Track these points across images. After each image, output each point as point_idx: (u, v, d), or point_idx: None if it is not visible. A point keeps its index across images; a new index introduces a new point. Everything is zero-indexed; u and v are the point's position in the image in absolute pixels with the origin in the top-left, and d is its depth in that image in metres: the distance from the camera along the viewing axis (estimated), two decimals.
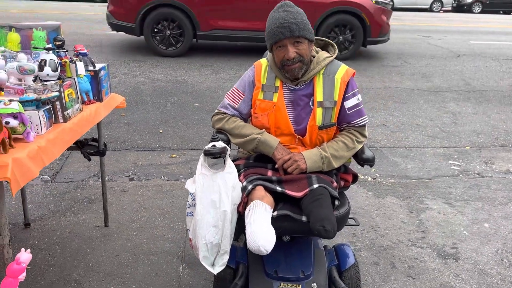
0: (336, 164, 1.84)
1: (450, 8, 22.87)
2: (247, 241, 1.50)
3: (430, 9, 22.22)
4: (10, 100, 1.49)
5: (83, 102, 2.10)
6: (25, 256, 1.41)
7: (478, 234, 2.75)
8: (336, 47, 1.96)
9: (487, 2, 22.61)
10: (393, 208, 3.04)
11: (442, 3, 22.38)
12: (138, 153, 3.83)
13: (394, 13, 19.11)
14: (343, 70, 1.88)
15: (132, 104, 4.96)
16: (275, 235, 1.52)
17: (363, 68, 7.14)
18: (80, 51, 2.21)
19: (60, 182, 3.25)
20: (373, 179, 3.52)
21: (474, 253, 2.55)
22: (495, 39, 11.02)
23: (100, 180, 2.77)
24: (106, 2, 8.17)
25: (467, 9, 22.42)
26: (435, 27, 13.36)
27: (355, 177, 2.01)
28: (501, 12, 23.03)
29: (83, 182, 3.27)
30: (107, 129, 4.26)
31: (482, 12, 22.39)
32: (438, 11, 22.25)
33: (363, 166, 1.92)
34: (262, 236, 1.48)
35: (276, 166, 1.84)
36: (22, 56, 1.99)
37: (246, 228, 1.55)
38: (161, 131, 4.34)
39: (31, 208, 2.82)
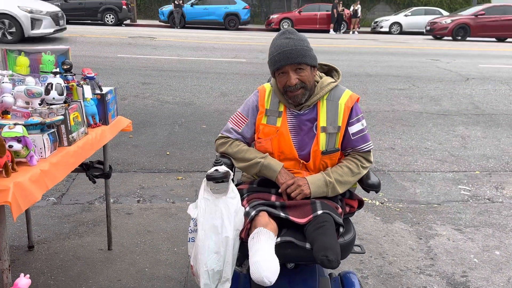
0: (340, 190, 1.82)
1: None
2: (250, 272, 1.47)
3: None
4: (15, 124, 1.50)
5: (89, 125, 2.12)
6: (23, 281, 1.39)
7: (489, 262, 2.68)
8: (340, 72, 1.96)
9: None
10: (401, 234, 2.98)
11: None
12: (144, 175, 3.83)
13: (403, 37, 19.18)
14: (347, 95, 1.88)
15: (141, 126, 5.00)
16: (279, 265, 1.49)
17: (370, 91, 7.15)
18: (88, 75, 2.23)
19: (66, 204, 3.25)
20: (381, 203, 3.47)
21: (485, 282, 2.48)
22: (505, 62, 11.00)
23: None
24: (118, 25, 8.41)
25: None
26: (444, 50, 13.41)
27: (360, 203, 1.97)
28: None
29: (89, 204, 3.27)
30: (115, 151, 4.28)
31: None
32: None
33: (368, 192, 1.89)
34: (266, 266, 1.45)
35: (279, 190, 1.82)
36: (30, 80, 2.03)
37: (249, 257, 1.52)
38: (168, 153, 4.34)
39: (36, 230, 2.81)
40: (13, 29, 9.88)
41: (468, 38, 17.85)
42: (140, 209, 3.19)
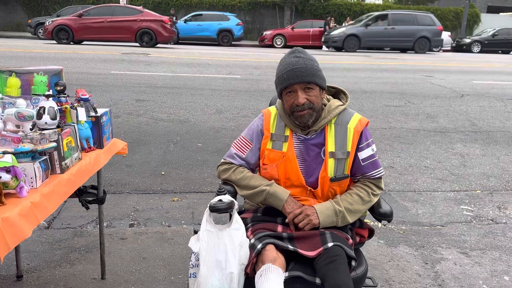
0: (351, 219, 1.72)
1: (449, 48, 23.27)
2: None
3: (429, 49, 22.56)
4: (4, 152, 1.39)
5: (83, 149, 2.01)
6: None
7: None
8: (348, 95, 1.88)
9: (486, 42, 23.03)
10: (406, 259, 2.88)
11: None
12: (138, 197, 3.71)
13: (395, 53, 19.39)
14: (356, 119, 1.79)
15: (135, 145, 4.88)
16: None
17: (367, 108, 7.11)
18: (82, 96, 2.14)
19: (57, 229, 3.11)
20: (384, 225, 3.37)
21: None
22: (497, 78, 11.08)
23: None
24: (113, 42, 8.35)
25: (466, 48, 22.83)
26: (436, 66, 13.50)
27: (371, 232, 1.88)
28: (499, 51, 23.42)
29: (81, 228, 3.13)
30: (108, 171, 4.15)
31: (481, 51, 22.78)
32: (438, 51, 22.60)
33: (380, 222, 1.79)
34: None
35: (286, 220, 1.71)
36: (21, 102, 1.91)
37: None
38: (163, 173, 4.23)
39: (25, 258, 2.67)
40: None
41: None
42: (134, 233, 3.06)
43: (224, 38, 20.48)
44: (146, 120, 5.88)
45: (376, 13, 19.75)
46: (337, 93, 1.91)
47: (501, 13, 32.68)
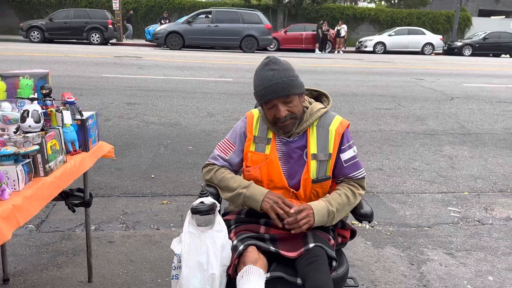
0: (336, 220, 1.74)
1: (441, 51, 23.49)
2: None
3: (421, 52, 22.79)
4: None
5: (68, 152, 2.02)
6: None
7: None
8: (329, 97, 1.91)
9: (477, 45, 23.25)
10: (393, 260, 2.90)
11: (433, 46, 23.00)
12: (128, 200, 3.71)
13: (387, 56, 19.54)
14: (337, 121, 1.82)
15: (125, 148, 4.88)
16: None
17: (357, 111, 7.16)
18: (68, 100, 2.14)
19: (45, 232, 3.11)
20: (371, 227, 3.40)
21: None
22: (487, 81, 11.19)
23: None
24: (103, 44, 8.39)
25: (458, 52, 23.03)
26: (427, 69, 13.62)
27: (353, 233, 1.90)
28: (490, 55, 23.67)
29: (69, 231, 3.13)
30: (97, 174, 4.16)
31: (472, 55, 23.01)
32: (430, 54, 22.81)
33: (361, 222, 1.82)
34: None
35: (286, 221, 1.64)
36: (6, 105, 1.92)
37: None
38: (153, 176, 4.23)
39: (12, 261, 2.67)
40: None
41: None
42: (122, 236, 3.07)
43: None
44: (137, 123, 5.88)
45: (200, 10, 18.91)
46: (319, 96, 1.94)
47: (492, 17, 33.02)
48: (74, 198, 2.35)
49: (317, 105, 1.83)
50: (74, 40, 19.42)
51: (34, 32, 18.69)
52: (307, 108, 1.82)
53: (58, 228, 3.18)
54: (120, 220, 3.33)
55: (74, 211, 2.34)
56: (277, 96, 1.67)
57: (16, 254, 2.77)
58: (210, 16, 18.05)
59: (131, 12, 22.52)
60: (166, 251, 2.86)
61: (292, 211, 1.65)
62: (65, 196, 2.32)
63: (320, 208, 1.70)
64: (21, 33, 19.08)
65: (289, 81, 1.68)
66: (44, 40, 18.76)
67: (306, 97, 1.84)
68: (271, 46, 20.91)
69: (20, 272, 2.58)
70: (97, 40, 19.09)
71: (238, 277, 1.49)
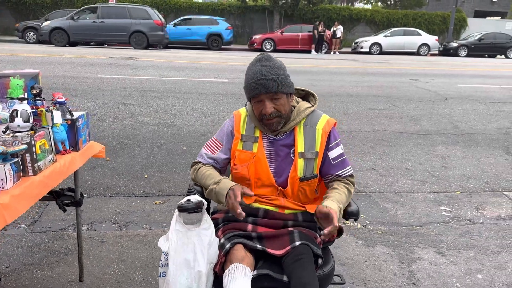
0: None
1: (436, 52, 23.58)
2: None
3: (417, 53, 22.87)
4: None
5: (58, 152, 2.03)
6: None
7: (471, 287, 2.64)
8: (316, 97, 1.93)
9: (473, 46, 23.36)
10: (383, 258, 2.92)
11: (429, 47, 23.09)
12: (120, 200, 3.72)
13: (382, 57, 19.62)
14: (324, 120, 1.84)
15: (118, 148, 4.89)
16: None
17: (351, 111, 7.19)
18: (58, 100, 2.15)
19: (37, 232, 3.11)
20: (363, 226, 3.42)
21: None
22: (482, 82, 11.25)
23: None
24: (99, 46, 8.39)
25: (453, 52, 23.13)
26: (422, 70, 13.67)
27: (340, 231, 1.92)
28: (486, 55, 23.78)
29: (62, 231, 3.14)
30: (91, 175, 4.16)
31: (467, 55, 23.10)
32: (425, 55, 22.89)
33: (347, 220, 1.84)
34: None
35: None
36: None
37: None
38: (146, 176, 4.24)
39: (4, 261, 2.68)
40: None
41: None
42: (114, 236, 3.08)
43: (213, 42, 20.52)
44: (131, 124, 5.89)
45: (87, 6, 18.51)
46: (306, 96, 1.96)
47: (487, 18, 33.18)
48: (65, 197, 2.35)
49: (304, 104, 1.85)
50: None
51: (29, 33, 18.65)
52: (294, 107, 1.84)
53: (51, 228, 3.19)
54: (113, 220, 3.34)
55: (65, 210, 2.35)
56: (265, 92, 1.69)
57: (8, 254, 2.78)
58: (96, 12, 17.68)
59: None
60: (158, 251, 2.86)
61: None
62: (56, 195, 2.33)
63: (338, 211, 1.67)
64: (16, 34, 19.04)
65: (279, 78, 1.71)
66: (40, 41, 18.72)
67: (293, 97, 1.86)
68: (268, 47, 20.94)
69: (11, 272, 2.59)
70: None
71: (224, 275, 1.51)
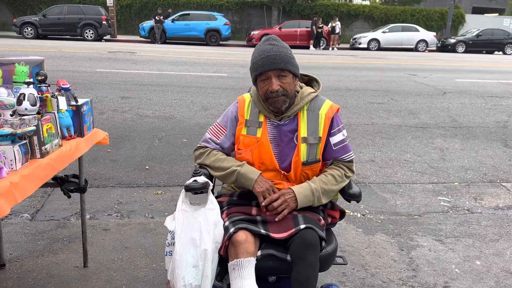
0: (324, 200, 1.79)
1: (434, 48, 23.61)
2: None
3: (415, 49, 22.90)
4: None
5: (64, 137, 2.05)
6: None
7: (470, 272, 2.68)
8: (320, 82, 1.95)
9: (470, 42, 23.39)
10: (383, 246, 2.96)
11: (427, 43, 23.11)
12: (122, 190, 3.74)
13: (381, 53, 19.63)
14: (327, 105, 1.87)
15: (119, 140, 4.91)
16: None
17: (350, 105, 7.23)
18: (63, 86, 2.18)
19: (40, 221, 3.14)
20: (363, 215, 3.46)
21: None
22: (480, 77, 11.30)
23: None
24: (97, 40, 8.42)
25: (451, 49, 23.16)
26: (421, 65, 13.71)
27: (342, 214, 1.95)
28: (484, 52, 23.81)
29: (64, 220, 3.16)
30: (92, 166, 4.18)
31: (465, 52, 23.14)
32: (423, 51, 22.92)
33: (349, 202, 1.87)
34: None
35: (262, 204, 1.76)
36: (2, 91, 1.95)
37: None
38: (147, 167, 4.27)
39: (8, 248, 2.70)
40: None
41: None
42: (117, 224, 3.10)
43: (211, 38, 20.51)
44: (131, 117, 5.91)
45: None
46: (309, 81, 1.98)
47: (485, 14, 33.21)
48: (69, 184, 2.38)
49: (307, 89, 1.88)
50: (68, 36, 19.34)
51: (27, 28, 18.60)
52: (298, 92, 1.86)
53: (53, 217, 3.21)
54: (115, 209, 3.37)
55: (69, 196, 2.37)
56: (272, 68, 1.72)
57: (11, 241, 2.80)
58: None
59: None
60: (161, 238, 2.91)
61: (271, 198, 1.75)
62: (61, 182, 2.36)
63: (303, 189, 1.77)
64: (14, 29, 18.98)
65: (286, 56, 1.74)
66: (38, 36, 18.69)
67: (298, 82, 1.89)
68: None
69: (16, 258, 2.61)
70: (91, 36, 19.04)
71: (230, 267, 1.55)
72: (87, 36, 19.00)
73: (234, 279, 1.53)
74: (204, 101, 7.02)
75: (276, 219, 1.71)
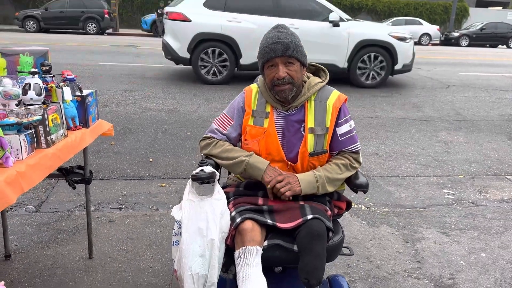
0: (329, 188, 1.78)
1: (438, 42, 23.48)
2: None
3: (419, 43, 22.78)
4: None
5: (69, 128, 2.05)
6: None
7: (475, 264, 2.67)
8: (327, 72, 1.93)
9: (474, 36, 23.26)
10: (388, 238, 2.96)
11: (430, 36, 23.00)
12: (126, 182, 3.74)
13: None
14: (335, 96, 1.85)
15: (123, 133, 4.91)
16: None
17: (354, 98, 7.19)
18: (68, 76, 2.17)
19: (45, 212, 3.14)
20: (367, 208, 3.45)
21: (472, 284, 2.47)
22: (484, 70, 11.24)
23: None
24: (100, 34, 8.45)
25: (455, 42, 23.04)
26: (424, 59, 13.63)
27: (348, 205, 1.94)
28: (487, 45, 23.67)
29: (69, 212, 3.17)
30: (96, 158, 4.18)
31: (469, 45, 23.01)
32: (427, 45, 22.81)
33: (356, 192, 1.86)
34: None
35: (268, 186, 1.76)
36: (7, 81, 1.95)
37: (237, 280, 1.53)
38: (151, 160, 4.26)
39: (13, 239, 2.71)
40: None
41: None
42: (122, 216, 3.11)
43: None
44: (135, 110, 5.90)
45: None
46: (317, 71, 1.96)
47: (489, 8, 32.99)
48: (74, 175, 2.38)
49: (315, 79, 1.86)
50: (70, 30, 19.30)
51: (29, 22, 18.56)
52: (305, 82, 1.85)
53: (58, 209, 3.21)
54: (119, 202, 3.37)
55: (74, 187, 2.37)
56: (280, 54, 1.70)
57: (17, 232, 2.81)
58: None
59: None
60: (166, 230, 2.91)
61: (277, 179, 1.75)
62: (66, 173, 2.35)
63: (306, 175, 1.77)
64: (16, 23, 18.94)
65: (295, 44, 1.73)
66: (40, 30, 18.65)
67: (305, 72, 1.87)
68: None
69: (21, 249, 2.62)
70: (93, 30, 18.99)
71: (236, 255, 1.54)
72: (90, 30, 18.96)
73: (240, 267, 1.52)
74: (207, 94, 7.00)
75: (282, 199, 1.72)
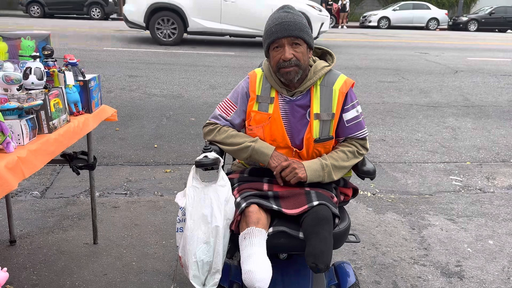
0: (336, 176, 1.75)
1: (446, 27, 23.14)
2: (243, 278, 1.43)
3: (426, 27, 22.47)
4: None
5: (72, 113, 2.02)
6: (1, 275, 1.30)
7: (482, 252, 2.65)
8: (334, 56, 1.88)
9: (483, 20, 22.88)
10: (394, 225, 2.93)
11: (438, 21, 22.64)
12: (131, 168, 3.73)
13: (392, 31, 19.27)
14: (341, 80, 1.80)
15: (127, 119, 4.89)
16: (271, 270, 1.46)
17: (360, 84, 7.11)
18: (70, 61, 2.13)
19: (50, 198, 3.14)
20: (373, 194, 3.42)
21: (479, 271, 2.44)
22: (492, 55, 11.07)
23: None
24: (104, 19, 8.65)
25: (463, 27, 22.69)
26: (432, 44, 13.45)
27: (355, 191, 1.91)
28: (496, 30, 23.30)
29: (74, 198, 3.16)
30: (101, 144, 4.17)
31: (477, 30, 22.66)
32: (434, 29, 22.49)
33: (363, 179, 1.83)
34: (259, 277, 1.41)
35: (274, 173, 1.73)
36: (8, 65, 1.91)
37: (241, 262, 1.48)
38: (156, 145, 4.25)
39: (18, 225, 2.71)
40: None
41: None
42: (127, 202, 3.10)
43: None
44: (139, 95, 5.87)
45: None
46: (323, 54, 1.91)
47: None
48: (78, 161, 2.36)
49: (321, 63, 1.81)
50: (75, 15, 19.21)
51: (34, 7, 18.47)
52: (311, 66, 1.80)
53: (63, 194, 3.21)
54: (124, 187, 3.36)
55: (78, 173, 2.36)
56: (286, 35, 1.65)
57: (21, 218, 2.81)
58: None
59: None
60: (171, 216, 2.90)
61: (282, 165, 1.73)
62: (69, 159, 2.33)
63: (312, 163, 1.73)
64: (21, 8, 18.86)
65: (301, 24, 1.68)
66: (44, 15, 18.57)
67: (311, 55, 1.82)
68: None
69: (26, 235, 2.62)
70: (97, 15, 18.88)
71: (240, 237, 1.51)
72: (94, 15, 18.85)
73: (245, 247, 1.49)
74: (212, 80, 6.95)
75: (288, 181, 1.70)
